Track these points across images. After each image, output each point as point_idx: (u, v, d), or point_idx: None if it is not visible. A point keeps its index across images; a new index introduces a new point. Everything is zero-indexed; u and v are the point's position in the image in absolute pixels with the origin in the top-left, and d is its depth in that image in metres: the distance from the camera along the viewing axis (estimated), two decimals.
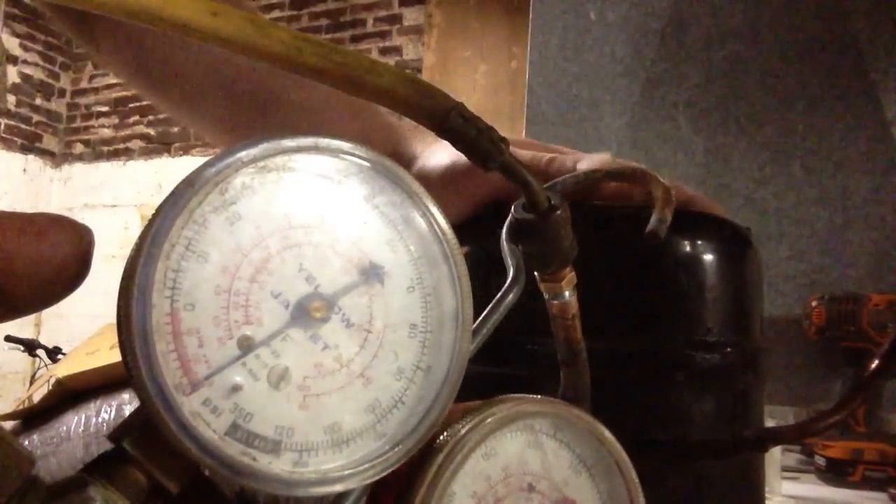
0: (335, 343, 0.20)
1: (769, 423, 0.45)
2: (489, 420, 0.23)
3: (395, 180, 0.22)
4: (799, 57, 1.07)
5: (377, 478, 0.20)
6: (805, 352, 1.03)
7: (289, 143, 0.20)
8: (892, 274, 1.00)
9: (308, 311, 0.20)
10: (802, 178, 1.05)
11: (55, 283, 0.18)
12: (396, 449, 0.21)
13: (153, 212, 0.19)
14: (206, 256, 0.19)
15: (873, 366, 0.36)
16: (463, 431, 0.23)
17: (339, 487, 0.20)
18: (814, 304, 0.99)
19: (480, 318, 0.26)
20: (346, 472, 0.20)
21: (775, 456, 0.88)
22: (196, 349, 0.18)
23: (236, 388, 0.19)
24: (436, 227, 0.22)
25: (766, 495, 0.45)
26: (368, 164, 0.22)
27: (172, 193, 0.19)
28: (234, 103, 0.51)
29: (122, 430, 0.19)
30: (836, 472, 0.97)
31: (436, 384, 0.22)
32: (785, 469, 0.97)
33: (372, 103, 0.51)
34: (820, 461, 0.99)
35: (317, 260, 0.20)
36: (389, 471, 0.21)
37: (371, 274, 0.21)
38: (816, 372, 1.03)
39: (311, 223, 0.21)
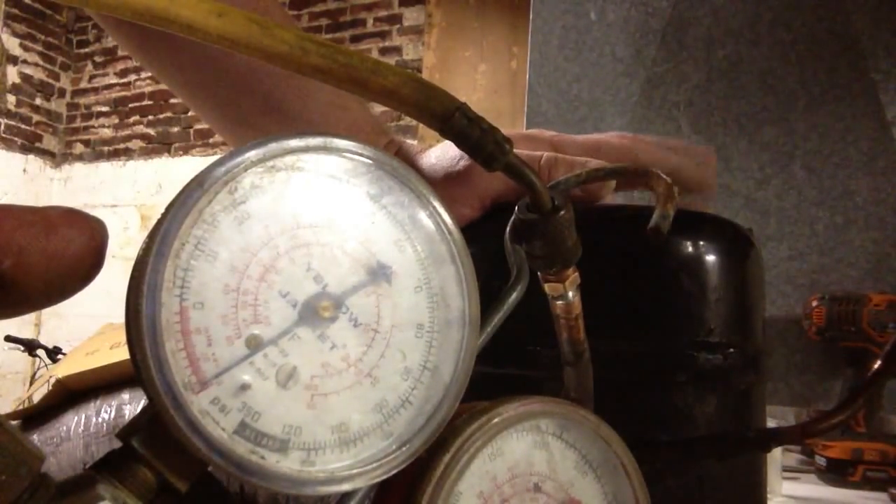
0: (343, 342, 0.20)
1: (769, 423, 0.45)
2: (496, 420, 0.23)
3: (402, 181, 0.22)
4: (799, 57, 1.07)
5: (384, 477, 0.20)
6: (805, 352, 1.03)
7: (297, 142, 0.20)
8: (892, 274, 1.00)
9: (316, 311, 0.20)
10: (803, 179, 1.05)
11: (67, 278, 0.18)
12: (404, 448, 0.21)
13: (157, 211, 0.19)
14: (216, 255, 0.19)
15: (875, 366, 0.36)
16: (469, 431, 0.23)
17: (346, 486, 0.20)
18: (814, 304, 0.99)
19: (484, 318, 0.26)
20: (354, 472, 0.20)
21: (776, 456, 0.89)
22: (205, 348, 0.18)
23: (245, 387, 0.19)
24: (443, 227, 0.22)
25: (767, 495, 0.45)
26: (376, 165, 0.22)
27: (182, 192, 0.19)
28: (232, 98, 0.51)
29: (131, 429, 0.19)
30: (836, 473, 0.97)
31: (443, 384, 0.22)
32: (785, 469, 0.97)
33: (358, 101, 0.51)
34: (820, 461, 0.99)
35: (325, 260, 0.21)
36: (397, 470, 0.21)
37: (379, 274, 0.21)
38: (817, 372, 1.03)
39: (320, 223, 0.21)
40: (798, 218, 1.05)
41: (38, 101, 4.30)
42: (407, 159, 0.49)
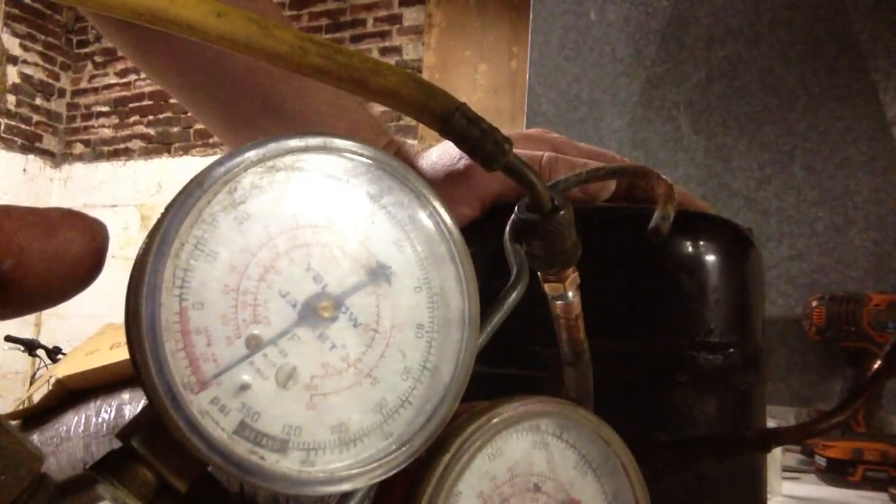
0: (342, 343, 0.20)
1: (769, 423, 0.45)
2: (495, 420, 0.23)
3: (402, 180, 0.22)
4: (799, 57, 1.07)
5: (384, 477, 0.20)
6: (805, 352, 1.03)
7: (297, 142, 0.20)
8: (892, 274, 1.00)
9: (316, 311, 0.20)
10: (803, 178, 1.05)
11: (67, 279, 0.18)
12: (403, 448, 0.21)
13: (157, 211, 0.19)
14: (215, 255, 0.19)
15: (875, 366, 0.36)
16: (469, 431, 0.23)
17: (346, 487, 0.20)
18: (814, 304, 0.99)
19: (484, 318, 0.26)
20: (354, 472, 0.20)
21: (776, 456, 0.89)
22: (205, 348, 0.18)
23: (244, 387, 0.19)
24: (443, 227, 0.22)
25: (767, 495, 0.45)
26: (376, 165, 0.22)
27: (181, 192, 0.19)
28: (231, 99, 0.51)
29: (130, 429, 0.19)
30: (836, 473, 0.97)
31: (442, 384, 0.22)
32: (785, 469, 0.97)
33: (358, 101, 0.51)
34: (820, 461, 0.99)
35: (324, 259, 0.21)
36: (396, 470, 0.21)
37: (378, 274, 0.21)
38: (817, 372, 1.03)
39: (319, 223, 0.21)
40: (798, 218, 1.05)
41: (38, 101, 4.30)
42: (407, 159, 0.49)
